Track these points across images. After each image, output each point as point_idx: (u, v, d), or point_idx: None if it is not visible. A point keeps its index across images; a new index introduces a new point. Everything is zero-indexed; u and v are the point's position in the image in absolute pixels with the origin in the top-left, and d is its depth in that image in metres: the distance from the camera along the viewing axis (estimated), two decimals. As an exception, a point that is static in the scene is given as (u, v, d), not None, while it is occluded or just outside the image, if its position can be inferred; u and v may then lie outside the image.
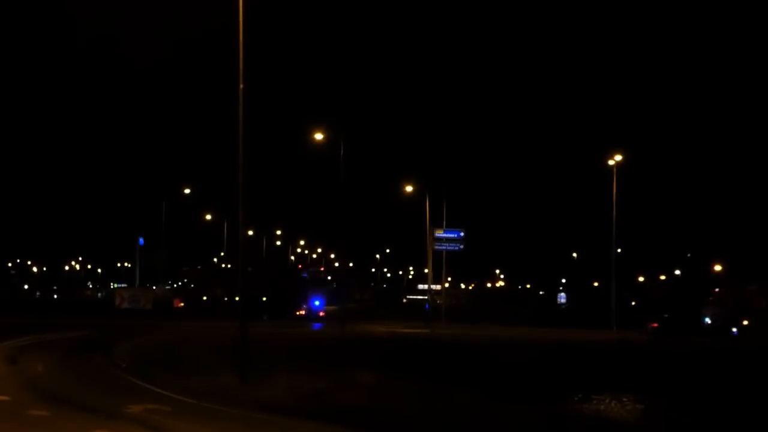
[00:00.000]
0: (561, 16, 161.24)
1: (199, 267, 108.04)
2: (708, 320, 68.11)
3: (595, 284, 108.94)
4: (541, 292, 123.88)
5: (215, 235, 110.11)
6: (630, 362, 41.21)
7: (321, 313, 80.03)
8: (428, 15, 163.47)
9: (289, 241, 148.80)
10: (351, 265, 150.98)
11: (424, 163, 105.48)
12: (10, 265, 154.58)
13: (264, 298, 75.52)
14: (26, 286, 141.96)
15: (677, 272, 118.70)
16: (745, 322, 70.62)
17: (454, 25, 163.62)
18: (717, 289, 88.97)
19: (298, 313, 78.98)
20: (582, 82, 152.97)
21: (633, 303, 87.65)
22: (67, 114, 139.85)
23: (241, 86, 27.18)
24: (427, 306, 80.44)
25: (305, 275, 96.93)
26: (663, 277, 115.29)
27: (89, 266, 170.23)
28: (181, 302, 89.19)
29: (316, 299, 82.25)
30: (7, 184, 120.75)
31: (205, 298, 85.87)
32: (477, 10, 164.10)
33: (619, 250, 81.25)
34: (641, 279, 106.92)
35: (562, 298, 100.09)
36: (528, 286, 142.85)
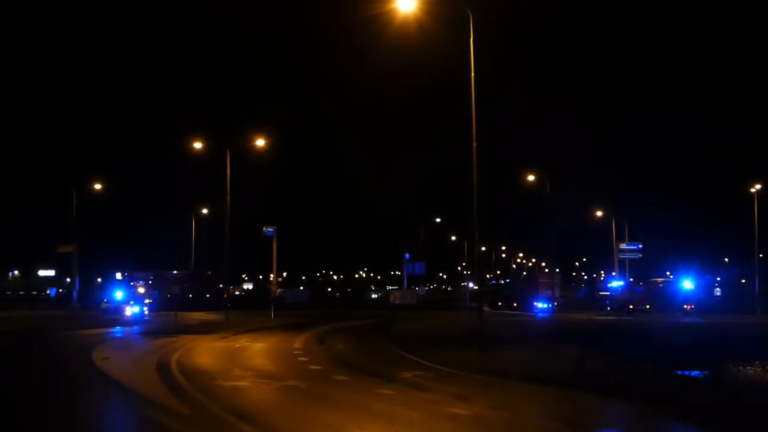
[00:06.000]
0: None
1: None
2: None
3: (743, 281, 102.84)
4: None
5: (459, 251, 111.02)
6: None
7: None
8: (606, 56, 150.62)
9: (510, 254, 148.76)
10: (557, 270, 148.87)
11: (612, 192, 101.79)
12: (318, 275, 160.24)
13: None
14: (329, 289, 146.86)
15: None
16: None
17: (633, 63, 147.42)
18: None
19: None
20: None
21: None
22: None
23: (474, 144, 27.11)
24: (607, 302, 77.81)
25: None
26: None
27: (371, 274, 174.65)
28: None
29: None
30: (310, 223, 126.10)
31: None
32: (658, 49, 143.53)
33: (761, 255, 77.71)
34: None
35: (717, 291, 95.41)
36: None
